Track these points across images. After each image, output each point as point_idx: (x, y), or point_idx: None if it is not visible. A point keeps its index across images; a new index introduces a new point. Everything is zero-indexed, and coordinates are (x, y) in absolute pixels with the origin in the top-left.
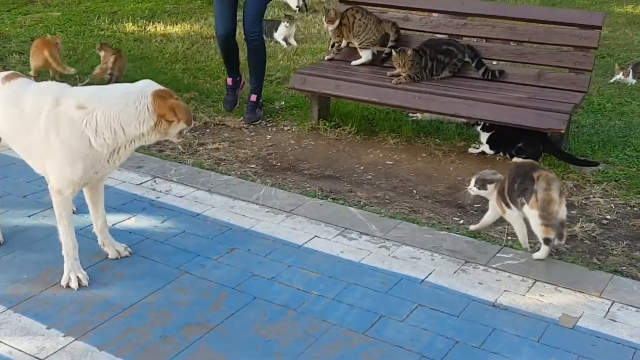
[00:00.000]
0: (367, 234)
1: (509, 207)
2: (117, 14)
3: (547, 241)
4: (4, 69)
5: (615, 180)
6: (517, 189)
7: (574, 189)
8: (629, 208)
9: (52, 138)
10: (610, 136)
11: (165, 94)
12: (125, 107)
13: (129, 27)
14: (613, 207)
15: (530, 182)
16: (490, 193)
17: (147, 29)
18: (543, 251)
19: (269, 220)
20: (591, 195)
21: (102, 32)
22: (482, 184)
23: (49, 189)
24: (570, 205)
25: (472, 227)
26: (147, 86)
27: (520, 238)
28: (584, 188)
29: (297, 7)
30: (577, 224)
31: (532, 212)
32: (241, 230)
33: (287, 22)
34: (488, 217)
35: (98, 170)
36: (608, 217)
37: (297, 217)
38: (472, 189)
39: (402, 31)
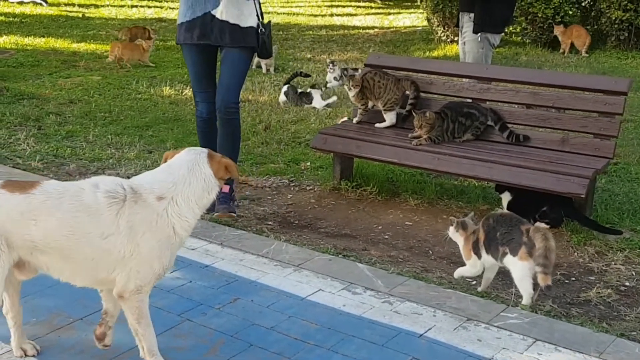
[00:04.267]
0: (372, 289)
1: (478, 256)
2: (156, 79)
3: (548, 288)
4: (39, 129)
5: None
6: (499, 238)
7: (595, 255)
8: None
9: (138, 238)
10: None
11: (212, 154)
12: (197, 183)
13: (166, 90)
14: (634, 274)
15: (518, 233)
16: (459, 238)
17: (184, 93)
18: (529, 299)
19: (276, 273)
20: (612, 262)
21: (140, 95)
22: (462, 226)
23: (117, 295)
24: (589, 271)
25: (479, 289)
26: (198, 154)
27: (483, 284)
28: (606, 255)
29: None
30: (593, 289)
31: (520, 264)
32: (247, 281)
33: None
34: (487, 273)
35: None
36: (627, 284)
37: (304, 271)
38: (450, 231)
39: (425, 94)
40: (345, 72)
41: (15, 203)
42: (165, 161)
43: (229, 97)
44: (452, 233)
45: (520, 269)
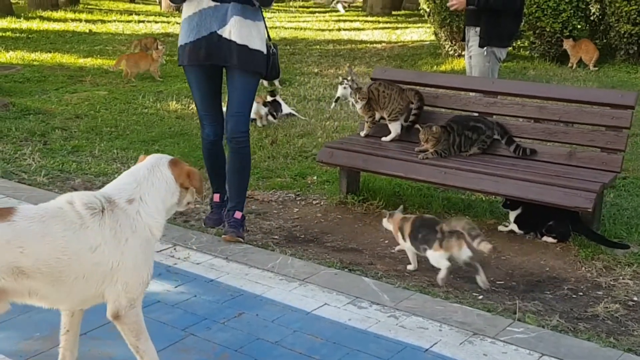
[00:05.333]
0: (377, 304)
1: (404, 240)
2: (163, 93)
3: (491, 251)
4: (45, 144)
5: None
6: (420, 238)
7: (603, 269)
8: None
9: (122, 245)
10: None
11: (177, 161)
12: (159, 183)
13: (172, 105)
14: None
15: (434, 233)
16: (390, 226)
17: (190, 107)
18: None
19: (281, 287)
20: (620, 277)
21: (146, 110)
22: (391, 217)
23: (113, 316)
24: (597, 286)
25: (409, 267)
26: (160, 159)
27: (412, 261)
28: (614, 269)
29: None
30: (601, 304)
31: (436, 253)
32: (252, 296)
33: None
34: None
35: None
36: (635, 298)
37: (310, 285)
38: (384, 222)
39: (431, 108)
40: (346, 81)
41: None
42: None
43: (238, 126)
44: (385, 223)
45: (434, 258)
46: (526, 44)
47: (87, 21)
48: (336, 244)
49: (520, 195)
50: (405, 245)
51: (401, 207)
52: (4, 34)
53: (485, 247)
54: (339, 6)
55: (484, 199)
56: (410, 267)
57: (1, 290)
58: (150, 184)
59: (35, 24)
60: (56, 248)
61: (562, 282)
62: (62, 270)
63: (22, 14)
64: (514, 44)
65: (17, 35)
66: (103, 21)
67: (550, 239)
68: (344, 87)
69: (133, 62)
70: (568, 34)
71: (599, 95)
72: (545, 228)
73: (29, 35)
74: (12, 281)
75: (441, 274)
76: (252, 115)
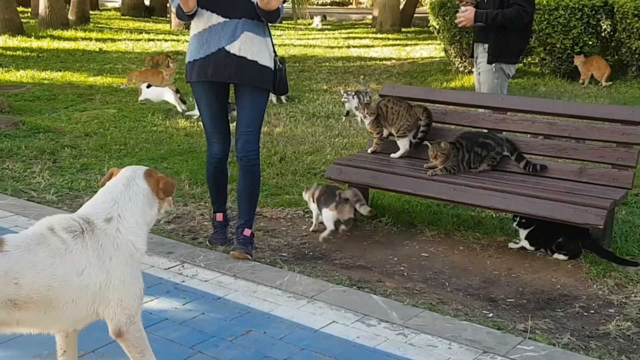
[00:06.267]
0: (386, 321)
1: (313, 202)
2: (172, 111)
3: (370, 212)
4: (54, 162)
5: None
6: (322, 201)
7: (615, 287)
8: None
9: (107, 265)
10: None
11: (152, 171)
12: (137, 197)
13: (182, 123)
14: None
15: (332, 197)
16: (306, 196)
17: (199, 125)
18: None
19: (289, 305)
20: (632, 295)
21: (155, 128)
22: (308, 189)
23: (115, 335)
24: (608, 304)
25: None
26: (134, 171)
27: (314, 222)
28: (626, 287)
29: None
30: (613, 322)
31: (330, 213)
32: (260, 313)
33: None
34: (315, 215)
35: None
36: None
37: (318, 303)
38: (304, 194)
39: (440, 124)
40: (360, 95)
41: None
42: (111, 176)
43: (249, 145)
44: (304, 195)
45: (327, 216)
46: (536, 60)
47: (97, 40)
48: (345, 261)
49: (530, 212)
50: (312, 206)
51: (315, 183)
52: (14, 53)
53: (364, 210)
54: (317, 19)
55: (494, 215)
56: (311, 229)
57: None
58: (128, 199)
59: (45, 43)
60: (47, 276)
61: (573, 300)
62: (52, 297)
63: (33, 33)
64: (525, 60)
65: (28, 54)
66: (113, 40)
67: (561, 256)
68: (346, 100)
69: (144, 79)
70: (579, 50)
71: (609, 112)
72: (555, 245)
73: (40, 54)
74: (5, 314)
75: (325, 233)
76: (173, 102)
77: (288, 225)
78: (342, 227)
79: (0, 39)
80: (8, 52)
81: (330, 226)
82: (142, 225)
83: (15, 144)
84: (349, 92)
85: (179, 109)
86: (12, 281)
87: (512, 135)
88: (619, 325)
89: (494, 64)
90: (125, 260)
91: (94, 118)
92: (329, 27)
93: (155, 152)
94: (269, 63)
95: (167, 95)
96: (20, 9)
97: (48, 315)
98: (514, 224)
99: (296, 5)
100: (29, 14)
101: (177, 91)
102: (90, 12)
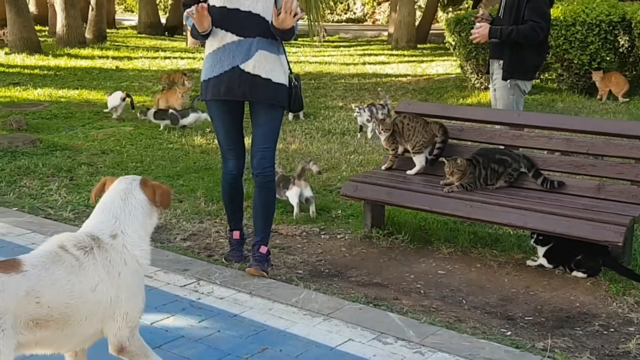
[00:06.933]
0: (403, 339)
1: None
2: (188, 128)
3: (319, 173)
4: (71, 179)
5: None
6: (282, 187)
7: (635, 305)
8: None
9: (116, 280)
10: None
11: (146, 181)
12: (136, 210)
13: (197, 140)
14: None
15: (289, 180)
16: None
17: (214, 142)
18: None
19: (305, 322)
20: None
21: (171, 145)
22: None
23: (117, 351)
24: (628, 322)
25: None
26: (130, 182)
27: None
28: None
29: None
30: (633, 341)
31: (291, 191)
32: (276, 331)
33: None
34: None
35: None
36: None
37: (334, 321)
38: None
39: (457, 141)
40: (373, 107)
41: (17, 283)
42: (104, 186)
43: (264, 161)
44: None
45: (290, 195)
46: (554, 76)
47: (114, 58)
48: (361, 279)
49: (548, 229)
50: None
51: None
52: (32, 72)
53: (314, 167)
54: (321, 35)
55: (511, 232)
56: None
57: (17, 345)
58: (128, 214)
59: (63, 61)
60: (65, 293)
61: (592, 318)
62: (70, 314)
63: (51, 52)
64: (542, 76)
65: (45, 72)
66: (129, 58)
67: (580, 274)
68: (358, 114)
69: (165, 99)
70: (596, 66)
71: (628, 127)
72: (574, 262)
73: (57, 73)
74: (27, 334)
75: (295, 210)
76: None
77: (304, 242)
78: (307, 199)
79: (18, 57)
80: (26, 71)
81: (295, 202)
82: (144, 238)
83: (32, 162)
84: (360, 107)
85: (115, 115)
86: (33, 300)
87: (529, 152)
88: (639, 343)
89: (509, 80)
90: (131, 275)
91: (110, 136)
92: (344, 44)
93: (171, 169)
94: (284, 80)
95: (111, 99)
96: (38, 27)
97: (65, 333)
98: (532, 241)
99: (312, 23)
100: (46, 33)
101: (127, 96)
102: (107, 30)
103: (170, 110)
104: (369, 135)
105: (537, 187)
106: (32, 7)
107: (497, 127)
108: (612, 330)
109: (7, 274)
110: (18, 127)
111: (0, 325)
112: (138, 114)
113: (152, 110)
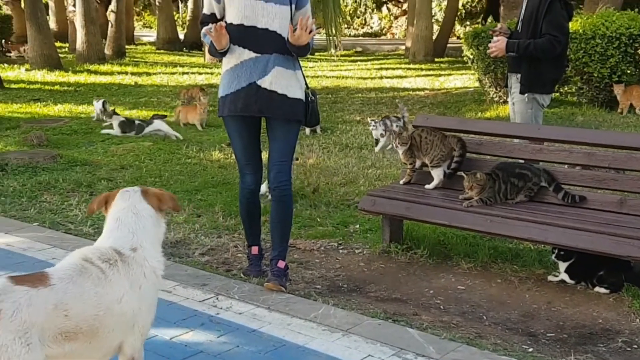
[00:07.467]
0: (423, 355)
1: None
2: (205, 143)
3: None
4: (91, 195)
5: None
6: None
7: None
8: None
9: (139, 292)
10: None
11: (146, 189)
12: (147, 222)
13: (215, 155)
14: None
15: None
16: None
17: (232, 157)
18: None
19: (324, 338)
20: None
21: (189, 160)
22: None
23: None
24: None
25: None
26: (133, 196)
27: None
28: None
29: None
30: None
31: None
32: (294, 346)
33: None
34: None
35: None
36: None
37: (353, 336)
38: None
39: (476, 155)
40: (387, 120)
41: (45, 297)
42: (106, 201)
43: (281, 176)
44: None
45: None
46: (573, 89)
47: (132, 74)
48: (380, 294)
49: (569, 244)
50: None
51: None
52: (52, 88)
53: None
54: (339, 47)
55: (532, 247)
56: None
57: (45, 359)
58: (142, 227)
59: (82, 77)
60: (93, 305)
61: (615, 335)
62: (98, 326)
63: (71, 68)
64: (561, 90)
65: (65, 88)
66: (148, 73)
67: (602, 290)
68: (374, 128)
69: (185, 114)
70: (617, 79)
71: None
72: (596, 278)
73: (77, 89)
74: (56, 347)
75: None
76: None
77: (322, 257)
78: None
79: (39, 73)
80: (46, 87)
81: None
82: (158, 248)
83: (53, 177)
84: (376, 120)
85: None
86: (62, 314)
87: (550, 166)
88: None
89: (526, 94)
90: (150, 287)
91: (129, 151)
92: (361, 58)
93: (190, 184)
94: (300, 95)
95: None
96: (58, 44)
97: (92, 346)
98: (553, 257)
99: (330, 38)
100: (66, 49)
101: (104, 102)
102: (126, 46)
103: (137, 121)
104: (377, 149)
105: (558, 201)
106: (52, 24)
107: (517, 141)
108: (636, 346)
109: (35, 287)
110: (39, 143)
111: (26, 340)
112: (104, 117)
113: (120, 119)
